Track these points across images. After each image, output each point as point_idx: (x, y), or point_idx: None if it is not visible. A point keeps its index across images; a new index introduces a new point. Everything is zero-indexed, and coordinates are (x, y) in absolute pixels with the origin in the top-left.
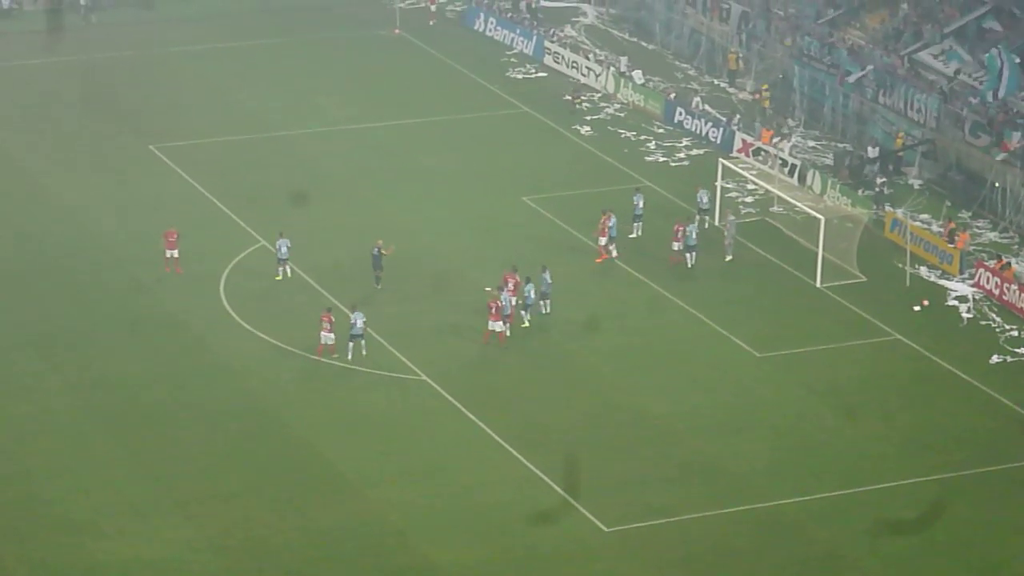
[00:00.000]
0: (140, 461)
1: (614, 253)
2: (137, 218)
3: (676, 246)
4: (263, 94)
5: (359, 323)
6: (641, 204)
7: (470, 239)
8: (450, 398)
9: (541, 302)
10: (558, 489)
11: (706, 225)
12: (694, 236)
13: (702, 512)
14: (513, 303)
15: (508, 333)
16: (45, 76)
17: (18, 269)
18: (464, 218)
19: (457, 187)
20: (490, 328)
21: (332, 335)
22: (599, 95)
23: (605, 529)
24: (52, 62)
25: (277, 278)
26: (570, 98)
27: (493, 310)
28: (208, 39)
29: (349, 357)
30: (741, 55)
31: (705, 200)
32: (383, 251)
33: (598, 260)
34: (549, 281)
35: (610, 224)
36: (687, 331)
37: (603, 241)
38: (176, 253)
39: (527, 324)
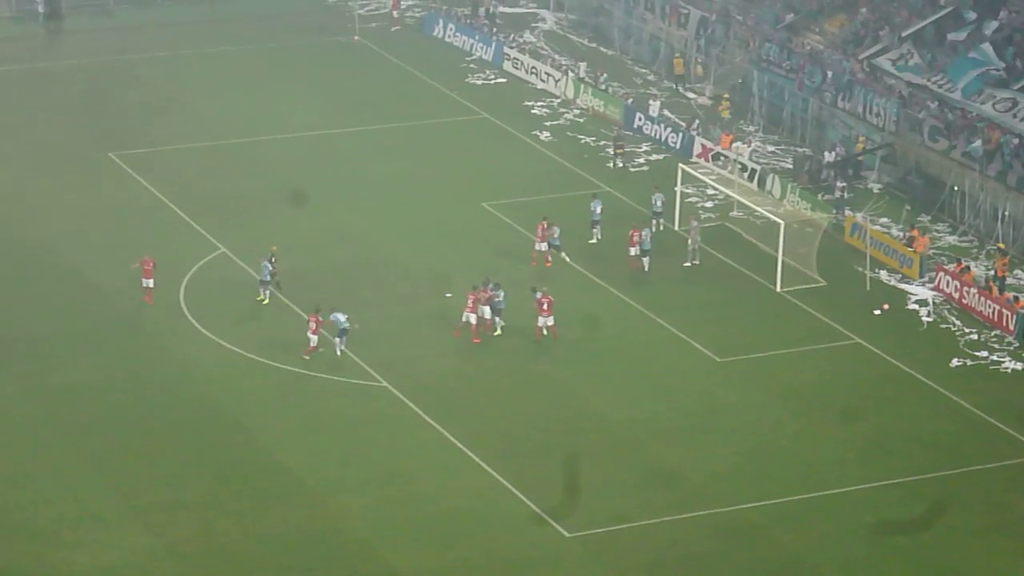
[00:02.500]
0: (101, 469)
1: (546, 261)
2: (96, 226)
3: (633, 251)
4: (222, 101)
5: (342, 319)
6: (599, 209)
7: (430, 245)
8: (411, 404)
9: (495, 319)
10: (520, 495)
11: (661, 228)
12: (648, 240)
13: (663, 518)
14: (475, 319)
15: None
16: (3, 83)
17: None
18: (424, 224)
19: (417, 193)
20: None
21: (315, 336)
22: (559, 100)
23: (567, 535)
24: (10, 70)
25: (258, 298)
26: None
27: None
28: (167, 46)
29: (338, 352)
30: (700, 60)
31: (659, 203)
32: (273, 263)
33: (533, 263)
34: (500, 297)
35: (551, 232)
36: (647, 336)
37: (539, 246)
38: (151, 283)
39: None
